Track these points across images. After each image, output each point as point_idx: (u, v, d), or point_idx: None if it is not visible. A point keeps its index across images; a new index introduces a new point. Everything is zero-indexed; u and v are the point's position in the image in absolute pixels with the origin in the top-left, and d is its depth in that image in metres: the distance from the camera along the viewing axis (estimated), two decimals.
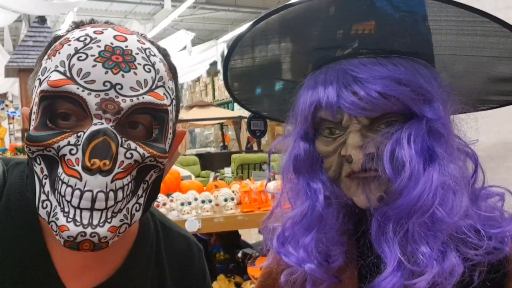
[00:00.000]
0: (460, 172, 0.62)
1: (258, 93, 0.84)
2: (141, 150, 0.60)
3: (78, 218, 0.56)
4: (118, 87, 0.59)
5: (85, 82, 0.58)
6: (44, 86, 0.58)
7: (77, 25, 0.66)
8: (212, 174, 5.12)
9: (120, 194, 0.58)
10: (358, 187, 0.64)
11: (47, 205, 0.58)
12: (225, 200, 2.21)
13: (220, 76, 11.84)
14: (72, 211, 0.56)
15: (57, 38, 0.65)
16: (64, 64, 0.59)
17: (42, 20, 7.66)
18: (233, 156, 7.35)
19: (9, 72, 6.64)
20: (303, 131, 0.69)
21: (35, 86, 0.62)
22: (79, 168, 0.56)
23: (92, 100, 0.58)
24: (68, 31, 0.65)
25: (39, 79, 0.61)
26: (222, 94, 12.08)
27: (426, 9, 0.62)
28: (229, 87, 0.80)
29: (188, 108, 9.96)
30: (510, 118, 1.78)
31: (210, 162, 8.45)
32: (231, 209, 2.19)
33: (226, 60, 0.75)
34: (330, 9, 0.66)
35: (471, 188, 0.65)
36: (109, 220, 0.58)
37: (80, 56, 0.59)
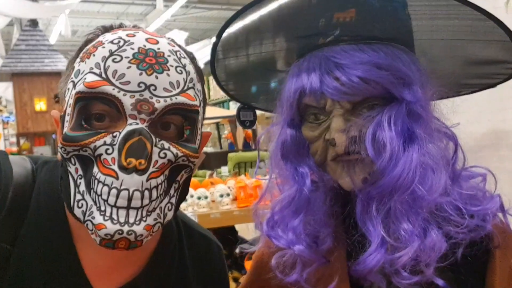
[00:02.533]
0: (439, 152, 0.64)
1: (247, 85, 0.86)
2: (174, 150, 0.61)
3: (115, 216, 0.57)
4: (152, 88, 0.60)
5: (120, 83, 0.59)
6: (80, 87, 0.60)
7: (107, 29, 0.68)
8: (208, 173, 5.14)
9: (154, 193, 0.59)
10: (343, 170, 0.67)
11: (82, 204, 0.60)
12: (221, 196, 2.23)
13: None
14: (108, 209, 0.58)
15: (89, 41, 0.66)
16: (99, 66, 0.61)
17: (33, 23, 7.66)
18: (230, 155, 7.36)
19: (2, 76, 6.65)
20: (289, 118, 0.71)
21: (68, 89, 0.64)
22: (115, 167, 0.57)
23: (127, 101, 0.59)
24: (98, 35, 0.66)
25: (73, 81, 0.63)
26: (218, 93, 12.08)
27: None
28: (218, 78, 0.82)
29: None
30: (501, 107, 1.81)
31: (207, 162, 8.46)
32: (227, 204, 2.21)
33: (213, 53, 0.77)
34: None
35: (452, 168, 0.68)
36: (144, 219, 0.59)
37: (115, 58, 0.60)
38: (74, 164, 0.60)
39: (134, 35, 0.63)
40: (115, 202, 0.57)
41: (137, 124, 0.59)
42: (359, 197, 0.65)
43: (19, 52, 7.16)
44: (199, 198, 2.22)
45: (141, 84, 0.60)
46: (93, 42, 0.64)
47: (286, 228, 0.71)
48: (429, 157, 0.62)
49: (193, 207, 2.20)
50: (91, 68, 0.61)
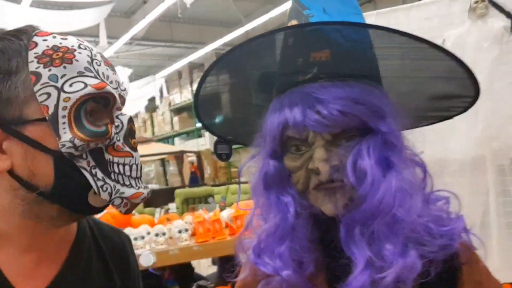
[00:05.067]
0: (413, 178, 0.71)
1: (224, 118, 0.90)
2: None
3: (139, 184, 0.73)
4: (120, 84, 0.74)
5: (109, 82, 0.70)
6: (89, 89, 0.66)
7: (33, 29, 0.69)
8: (158, 210, 5.02)
9: None
10: (325, 197, 0.71)
11: (107, 187, 0.69)
12: (179, 231, 2.21)
13: (159, 111, 11.76)
14: (133, 181, 0.72)
15: (27, 47, 0.66)
16: (90, 69, 0.68)
17: None
18: (177, 191, 7.24)
19: None
20: (271, 150, 0.75)
21: (48, 94, 0.64)
22: (127, 149, 0.71)
23: (117, 97, 0.71)
24: (29, 37, 0.67)
25: (52, 85, 0.65)
26: (162, 129, 11.97)
27: (371, 38, 0.72)
28: (198, 112, 0.86)
29: None
30: (441, 137, 1.96)
31: (154, 199, 8.26)
32: (186, 240, 2.19)
33: (198, 88, 0.81)
34: (289, 40, 0.74)
35: (422, 192, 0.74)
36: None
37: (97, 62, 0.70)
38: (86, 158, 0.67)
39: (83, 41, 0.72)
40: (136, 175, 0.72)
41: (125, 114, 0.72)
42: (343, 222, 0.70)
43: None
44: (156, 235, 2.18)
45: (116, 82, 0.72)
46: (42, 48, 0.66)
47: (272, 255, 0.74)
48: (405, 183, 0.68)
49: (150, 245, 2.15)
50: (82, 72, 0.67)
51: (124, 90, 0.75)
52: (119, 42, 8.51)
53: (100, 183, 0.68)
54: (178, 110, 11.16)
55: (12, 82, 0.65)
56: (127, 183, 0.71)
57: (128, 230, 2.16)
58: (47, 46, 0.67)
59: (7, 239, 0.70)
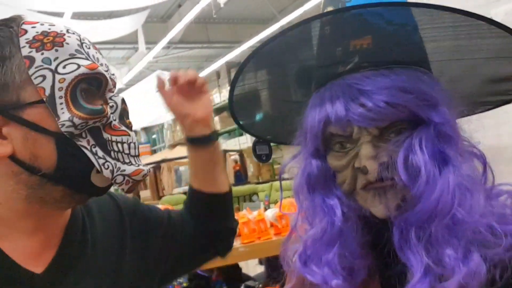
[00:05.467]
0: (473, 172, 0.63)
1: (262, 117, 0.85)
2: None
3: (138, 162, 0.74)
4: (109, 67, 0.76)
5: (100, 65, 0.71)
6: (82, 70, 0.68)
7: (21, 18, 0.71)
8: None
9: None
10: (375, 197, 0.65)
11: (108, 165, 0.70)
12: None
13: None
14: (132, 159, 0.73)
15: (17, 34, 0.68)
16: (80, 52, 0.70)
17: None
18: None
19: None
20: (313, 148, 0.70)
21: (43, 76, 0.66)
22: (124, 128, 0.73)
23: (109, 79, 0.72)
24: (18, 25, 0.69)
25: (47, 68, 0.67)
26: None
27: (415, 19, 0.65)
28: (234, 113, 0.82)
29: (172, 146, 9.91)
30: (494, 123, 1.84)
31: None
32: None
33: (232, 87, 0.77)
34: (326, 28, 0.69)
35: (483, 187, 0.67)
36: None
37: (86, 45, 0.72)
38: (85, 137, 0.69)
39: (70, 27, 0.73)
40: (135, 153, 0.74)
41: (117, 95, 0.74)
42: (395, 225, 0.64)
43: None
44: None
45: (105, 65, 0.74)
46: (32, 34, 0.68)
47: (320, 262, 0.69)
48: (464, 178, 0.61)
49: None
50: (73, 55, 0.69)
51: (113, 75, 0.76)
52: (158, 47, 8.65)
53: (101, 161, 0.69)
54: (218, 110, 11.24)
55: (7, 68, 0.66)
56: (127, 160, 0.72)
57: None
58: (37, 32, 0.68)
59: (13, 225, 0.71)
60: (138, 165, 0.73)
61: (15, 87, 0.66)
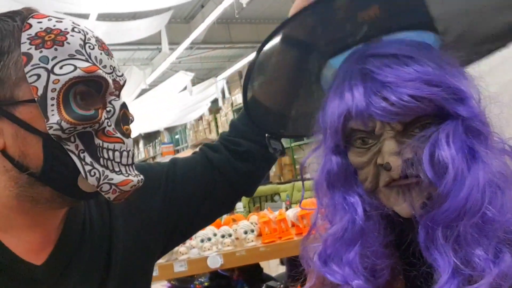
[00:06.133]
0: (504, 169, 0.60)
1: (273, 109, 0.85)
2: (131, 117, 0.75)
3: (130, 171, 0.71)
4: (116, 69, 0.73)
5: (102, 67, 0.69)
6: (78, 72, 0.66)
7: (30, 12, 0.69)
8: None
9: None
10: (399, 195, 0.63)
11: (94, 173, 0.68)
12: (245, 232, 2.17)
13: (222, 112, 11.94)
14: (123, 168, 0.70)
15: (21, 28, 0.66)
16: (81, 52, 0.67)
17: None
18: None
19: None
20: (333, 144, 0.67)
21: (38, 75, 0.64)
22: (119, 135, 0.70)
23: (110, 82, 0.70)
24: (23, 19, 0.67)
25: (43, 67, 0.65)
26: (226, 129, 12.10)
27: None
28: (248, 108, 0.81)
29: (194, 146, 9.98)
30: None
31: None
32: (252, 241, 2.15)
33: (245, 82, 0.76)
34: (334, 4, 0.68)
35: None
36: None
37: (90, 46, 0.69)
38: (74, 142, 0.67)
39: (78, 24, 0.70)
40: (127, 161, 0.70)
41: (118, 99, 0.71)
42: (421, 224, 0.61)
43: None
44: (223, 236, 2.16)
45: (110, 67, 0.71)
46: (36, 29, 0.66)
47: (341, 262, 0.66)
48: (495, 175, 0.58)
49: (217, 246, 2.14)
50: (73, 55, 0.66)
51: (122, 75, 0.74)
52: (180, 48, 8.70)
53: (88, 167, 0.67)
54: (240, 110, 11.27)
55: (4, 63, 0.65)
56: (117, 169, 0.69)
57: None
58: (41, 28, 0.67)
59: (11, 220, 0.70)
60: (128, 175, 0.70)
61: (10, 84, 0.65)
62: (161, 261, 2.05)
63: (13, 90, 0.65)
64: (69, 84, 0.65)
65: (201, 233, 2.15)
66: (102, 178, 0.68)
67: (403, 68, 0.61)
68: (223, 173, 0.93)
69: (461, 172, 0.57)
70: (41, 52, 0.65)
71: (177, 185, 0.91)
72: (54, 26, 0.67)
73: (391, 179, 0.62)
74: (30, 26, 0.67)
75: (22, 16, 0.68)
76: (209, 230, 2.18)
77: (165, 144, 12.49)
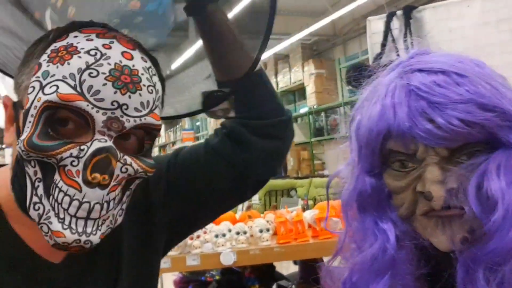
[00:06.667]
0: None
1: None
2: (135, 166, 0.64)
3: (73, 226, 0.60)
4: (124, 107, 0.62)
5: (94, 99, 0.60)
6: (52, 96, 0.60)
7: (75, 27, 0.67)
8: (245, 205, 5.03)
9: (111, 204, 0.63)
10: (437, 227, 0.57)
11: (39, 207, 0.61)
12: (260, 231, 2.13)
13: None
14: (68, 218, 0.60)
15: (57, 37, 0.65)
16: (74, 77, 0.61)
17: None
18: None
19: None
20: (369, 166, 0.62)
21: (33, 87, 0.63)
22: (79, 180, 0.60)
23: (99, 118, 0.60)
24: (67, 32, 0.66)
25: (39, 81, 0.62)
26: None
27: None
28: None
29: None
30: None
31: None
32: (267, 240, 2.11)
33: None
34: None
35: None
36: (100, 228, 0.63)
37: (92, 73, 0.61)
38: (34, 167, 0.61)
39: (110, 47, 0.63)
40: (76, 212, 0.60)
41: (105, 141, 0.61)
42: (460, 261, 0.55)
43: None
44: (237, 233, 2.13)
45: (114, 103, 0.61)
46: (64, 42, 0.64)
47: None
48: None
49: (231, 243, 2.10)
50: (65, 77, 0.61)
51: (137, 117, 0.62)
52: None
53: (35, 199, 0.62)
54: None
55: (23, 69, 0.65)
56: (61, 216, 0.60)
57: (210, 227, 2.13)
58: (67, 43, 0.64)
59: (23, 216, 0.66)
60: (67, 229, 0.60)
61: (21, 89, 0.65)
62: (174, 253, 2.04)
63: (23, 96, 0.64)
64: (42, 107, 0.61)
65: (216, 229, 2.13)
66: (44, 217, 0.61)
67: (454, 88, 0.55)
68: (224, 157, 0.83)
69: None
70: (48, 66, 0.63)
71: (178, 171, 0.84)
72: (77, 43, 0.63)
73: (430, 209, 0.56)
74: (65, 38, 0.65)
75: (66, 27, 0.66)
76: (224, 226, 2.15)
77: (186, 130, 12.53)
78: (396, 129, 0.57)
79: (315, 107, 8.64)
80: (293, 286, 2.53)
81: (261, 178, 0.88)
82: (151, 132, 0.66)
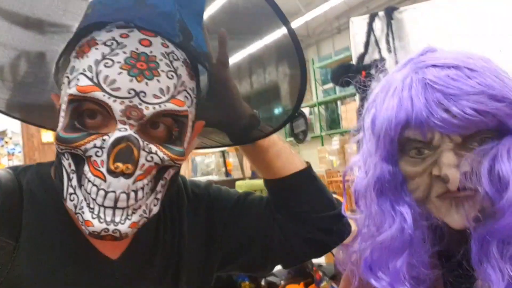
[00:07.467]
0: None
1: None
2: (161, 154, 0.64)
3: (102, 215, 0.61)
4: (141, 94, 0.62)
5: (111, 89, 0.61)
6: (73, 90, 0.62)
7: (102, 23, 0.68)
8: None
9: (140, 194, 0.63)
10: (451, 207, 0.63)
11: (74, 198, 0.64)
12: None
13: None
14: (96, 208, 0.62)
15: (81, 36, 0.67)
16: (91, 69, 0.62)
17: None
18: (238, 183, 7.20)
19: None
20: (387, 154, 0.67)
21: (64, 83, 0.66)
22: (103, 170, 0.61)
23: (117, 107, 0.61)
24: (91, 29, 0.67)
25: (67, 77, 0.65)
26: None
27: None
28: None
29: None
30: None
31: None
32: None
33: None
34: None
35: None
36: (129, 217, 0.63)
37: (107, 63, 0.62)
38: (68, 159, 0.64)
39: (128, 35, 0.63)
40: (103, 202, 0.61)
41: (126, 130, 0.61)
42: (474, 237, 0.61)
43: (27, 85, 7.16)
44: None
45: (131, 91, 0.61)
46: (88, 37, 0.66)
47: (386, 269, 0.67)
48: None
49: None
50: (84, 70, 0.63)
51: (158, 104, 0.62)
52: None
53: (70, 190, 0.64)
54: None
55: (62, 67, 0.68)
56: (91, 206, 0.62)
57: None
58: (90, 37, 0.65)
59: None
60: (96, 218, 0.61)
61: (60, 84, 0.69)
62: None
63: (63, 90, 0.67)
64: (68, 101, 0.64)
65: None
66: (78, 207, 0.63)
67: (466, 81, 0.61)
68: (282, 231, 0.84)
69: None
70: (74, 61, 0.65)
71: (242, 214, 0.86)
72: (97, 36, 0.65)
73: (446, 191, 0.62)
74: (90, 33, 0.66)
75: (105, 24, 0.67)
76: None
77: None
78: (414, 118, 0.62)
79: None
80: (282, 281, 2.59)
81: (292, 264, 0.94)
82: (177, 118, 0.65)
